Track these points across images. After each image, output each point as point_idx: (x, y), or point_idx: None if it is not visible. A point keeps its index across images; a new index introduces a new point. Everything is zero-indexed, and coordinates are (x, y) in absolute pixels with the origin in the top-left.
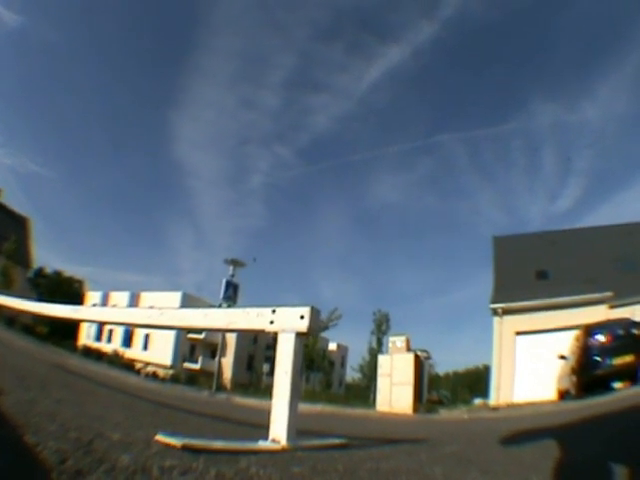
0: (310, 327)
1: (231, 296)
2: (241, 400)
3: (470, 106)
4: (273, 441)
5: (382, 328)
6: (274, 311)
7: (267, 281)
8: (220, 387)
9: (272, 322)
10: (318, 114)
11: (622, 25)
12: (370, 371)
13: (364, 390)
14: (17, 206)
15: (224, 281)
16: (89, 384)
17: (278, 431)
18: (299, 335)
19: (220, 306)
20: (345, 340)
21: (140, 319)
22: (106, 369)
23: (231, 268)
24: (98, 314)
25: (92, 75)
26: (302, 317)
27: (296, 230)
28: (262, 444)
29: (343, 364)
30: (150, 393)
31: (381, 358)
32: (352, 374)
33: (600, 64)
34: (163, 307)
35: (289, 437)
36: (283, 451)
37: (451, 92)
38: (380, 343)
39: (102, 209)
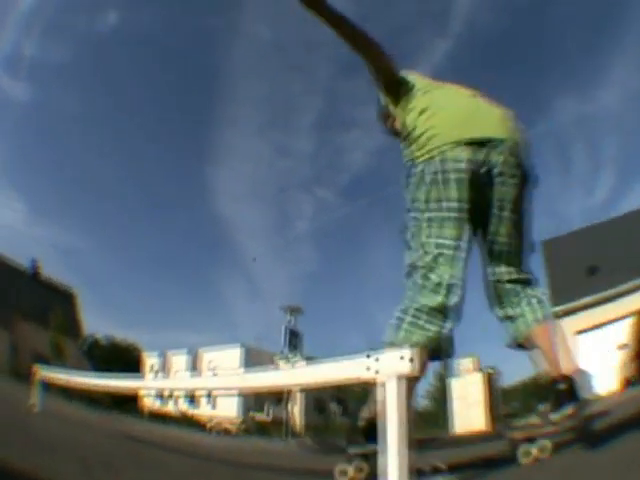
0: (415, 368)
1: (294, 344)
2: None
3: None
4: None
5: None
6: (369, 356)
7: (327, 323)
8: (293, 433)
9: (369, 369)
10: (353, 151)
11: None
12: (440, 396)
13: (434, 416)
14: (60, 277)
15: (285, 329)
16: (160, 453)
17: None
18: (403, 379)
19: (282, 354)
20: None
21: (223, 383)
22: (176, 432)
23: (289, 315)
24: (168, 383)
25: (121, 138)
26: (402, 358)
27: (348, 268)
28: None
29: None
30: (226, 452)
31: (453, 381)
32: (420, 402)
33: (604, 45)
34: (247, 370)
35: None
36: None
37: None
38: (446, 367)
39: (148, 270)
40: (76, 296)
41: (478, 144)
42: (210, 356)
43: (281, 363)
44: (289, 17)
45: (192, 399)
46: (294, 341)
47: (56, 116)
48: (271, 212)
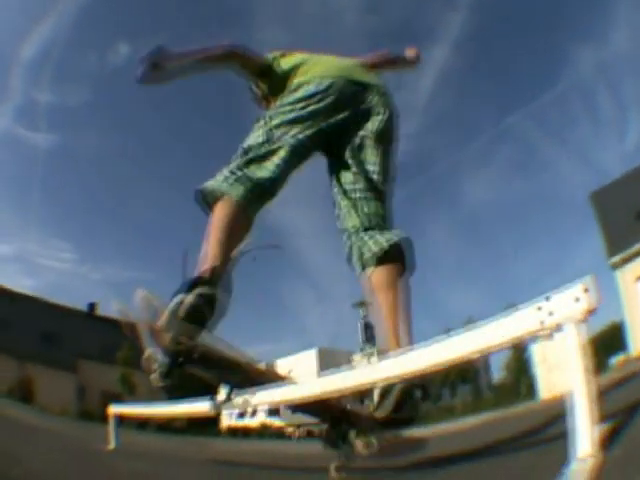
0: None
1: (370, 337)
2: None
3: (522, 82)
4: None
5: None
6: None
7: None
8: None
9: (542, 322)
10: None
11: None
12: (518, 365)
13: (513, 387)
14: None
15: (360, 324)
16: (249, 472)
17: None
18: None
19: (362, 350)
20: None
21: (353, 380)
22: (258, 445)
23: (361, 310)
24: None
25: (157, 172)
26: (578, 299)
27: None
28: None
29: (486, 369)
30: (317, 459)
31: (534, 347)
32: (497, 375)
33: None
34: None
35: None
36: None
37: (500, 73)
38: None
39: None
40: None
41: (355, 83)
42: (286, 365)
43: (356, 358)
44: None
45: (272, 410)
46: (370, 334)
47: (83, 154)
48: (323, 212)
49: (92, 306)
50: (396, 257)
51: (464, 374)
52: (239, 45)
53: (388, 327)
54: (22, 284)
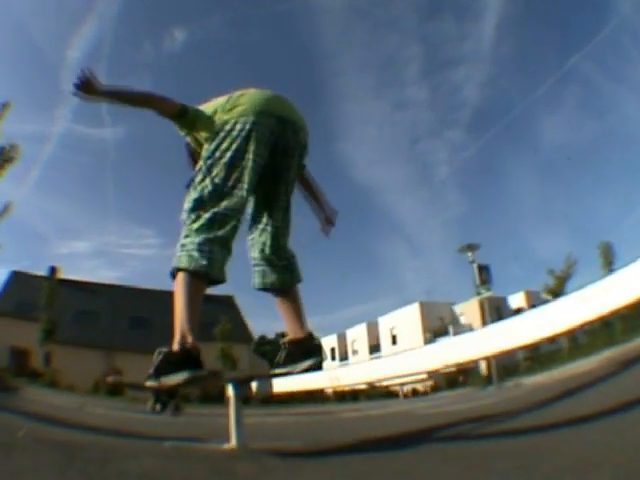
0: None
1: (484, 279)
2: None
3: (575, 24)
4: None
5: (609, 259)
6: None
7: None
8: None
9: None
10: (466, 87)
11: None
12: None
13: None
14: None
15: (474, 267)
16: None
17: None
18: None
19: (479, 294)
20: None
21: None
22: (375, 406)
23: (470, 254)
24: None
25: None
26: None
27: (494, 203)
28: None
29: None
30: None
31: None
32: None
33: None
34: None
35: None
36: None
37: (554, 17)
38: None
39: (305, 255)
40: (235, 300)
41: (276, 118)
42: (388, 322)
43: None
44: None
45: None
46: (484, 276)
47: (152, 141)
48: (410, 167)
49: None
50: (286, 282)
51: None
52: (157, 94)
53: (291, 328)
54: (107, 276)
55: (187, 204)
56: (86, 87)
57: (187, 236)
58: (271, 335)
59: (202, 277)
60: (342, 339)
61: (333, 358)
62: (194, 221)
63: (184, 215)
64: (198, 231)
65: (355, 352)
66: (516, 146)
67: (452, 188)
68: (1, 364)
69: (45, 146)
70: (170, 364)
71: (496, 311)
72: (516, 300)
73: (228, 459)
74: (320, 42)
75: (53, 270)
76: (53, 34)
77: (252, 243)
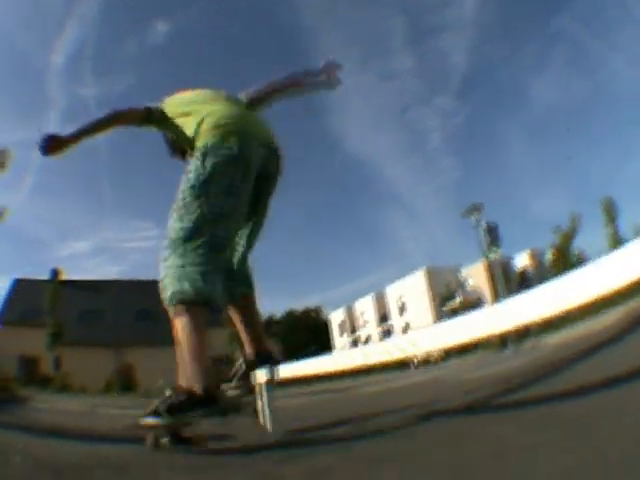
0: None
1: (493, 239)
2: None
3: None
4: None
5: (612, 215)
6: None
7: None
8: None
9: None
10: (452, 53)
11: None
12: None
13: None
14: None
15: (482, 227)
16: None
17: None
18: None
19: (487, 256)
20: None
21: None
22: (385, 377)
23: (473, 217)
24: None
25: None
26: None
27: (488, 166)
28: None
29: None
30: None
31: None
32: None
33: None
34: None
35: None
36: None
37: None
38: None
39: (303, 232)
40: None
41: (264, 146)
42: (396, 291)
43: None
44: None
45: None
46: (493, 236)
47: (145, 135)
48: (402, 136)
49: None
50: (245, 295)
51: None
52: (118, 108)
53: (247, 338)
54: (109, 272)
55: (179, 230)
56: (52, 146)
57: (183, 264)
58: (279, 315)
59: (207, 306)
60: (350, 312)
61: (342, 332)
62: (194, 248)
63: (176, 240)
64: (198, 258)
65: (364, 324)
66: (506, 109)
67: (445, 154)
68: (10, 374)
69: (37, 152)
70: (191, 405)
71: (502, 273)
72: (521, 260)
73: (267, 449)
74: (303, 20)
75: (55, 273)
76: (35, 40)
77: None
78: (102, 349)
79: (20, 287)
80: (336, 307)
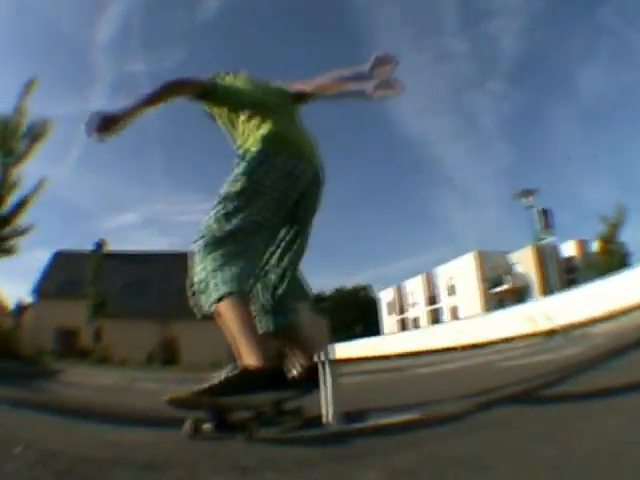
0: None
1: (547, 223)
2: None
3: None
4: None
5: None
6: None
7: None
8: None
9: None
10: (503, 38)
11: None
12: None
13: None
14: None
15: (537, 210)
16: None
17: None
18: None
19: (540, 240)
20: None
21: None
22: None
23: (529, 199)
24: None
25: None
26: None
27: (539, 152)
28: None
29: None
30: None
31: None
32: None
33: None
34: None
35: None
36: None
37: None
38: None
39: (355, 210)
40: None
41: (313, 170)
42: (446, 272)
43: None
44: None
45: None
46: (547, 220)
47: (194, 108)
48: (455, 117)
49: None
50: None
51: None
52: (178, 77)
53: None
54: (158, 244)
55: (216, 231)
56: (106, 125)
57: (221, 266)
58: (328, 292)
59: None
60: (399, 291)
61: (392, 311)
62: (228, 253)
63: (211, 242)
64: (233, 261)
65: (413, 304)
66: (556, 96)
67: (498, 138)
68: (47, 347)
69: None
70: (247, 384)
71: (551, 259)
72: (567, 249)
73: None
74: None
75: (100, 244)
76: (80, 18)
77: (263, 282)
78: (145, 321)
79: (60, 260)
80: (385, 285)
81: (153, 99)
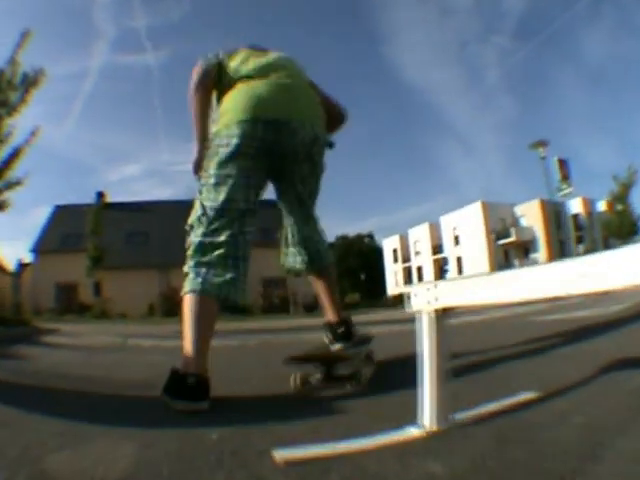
0: None
1: (564, 175)
2: None
3: None
4: None
5: None
6: None
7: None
8: None
9: None
10: None
11: None
12: None
13: None
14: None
15: (555, 160)
16: None
17: None
18: None
19: (559, 190)
20: None
21: None
22: None
23: (541, 150)
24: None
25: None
26: None
27: (544, 108)
28: None
29: None
30: None
31: None
32: None
33: None
34: None
35: None
36: None
37: None
38: None
39: (358, 158)
40: None
41: (263, 123)
42: (451, 221)
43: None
44: None
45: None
46: (564, 171)
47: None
48: (460, 70)
49: None
50: (324, 266)
51: None
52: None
53: (326, 304)
54: (161, 194)
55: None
56: (197, 169)
57: (206, 260)
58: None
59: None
60: (404, 240)
61: (395, 260)
62: (217, 241)
63: (197, 222)
64: (222, 255)
65: (417, 253)
66: (561, 55)
67: (502, 92)
68: (48, 305)
69: (85, 81)
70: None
71: (555, 215)
72: (574, 206)
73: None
74: None
75: (100, 195)
76: None
77: (285, 231)
78: (146, 271)
79: (60, 214)
80: (390, 233)
81: (201, 122)
